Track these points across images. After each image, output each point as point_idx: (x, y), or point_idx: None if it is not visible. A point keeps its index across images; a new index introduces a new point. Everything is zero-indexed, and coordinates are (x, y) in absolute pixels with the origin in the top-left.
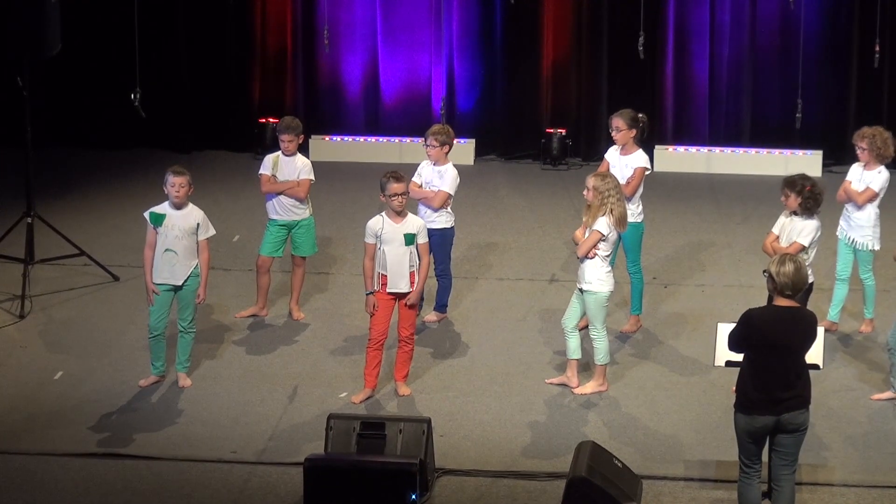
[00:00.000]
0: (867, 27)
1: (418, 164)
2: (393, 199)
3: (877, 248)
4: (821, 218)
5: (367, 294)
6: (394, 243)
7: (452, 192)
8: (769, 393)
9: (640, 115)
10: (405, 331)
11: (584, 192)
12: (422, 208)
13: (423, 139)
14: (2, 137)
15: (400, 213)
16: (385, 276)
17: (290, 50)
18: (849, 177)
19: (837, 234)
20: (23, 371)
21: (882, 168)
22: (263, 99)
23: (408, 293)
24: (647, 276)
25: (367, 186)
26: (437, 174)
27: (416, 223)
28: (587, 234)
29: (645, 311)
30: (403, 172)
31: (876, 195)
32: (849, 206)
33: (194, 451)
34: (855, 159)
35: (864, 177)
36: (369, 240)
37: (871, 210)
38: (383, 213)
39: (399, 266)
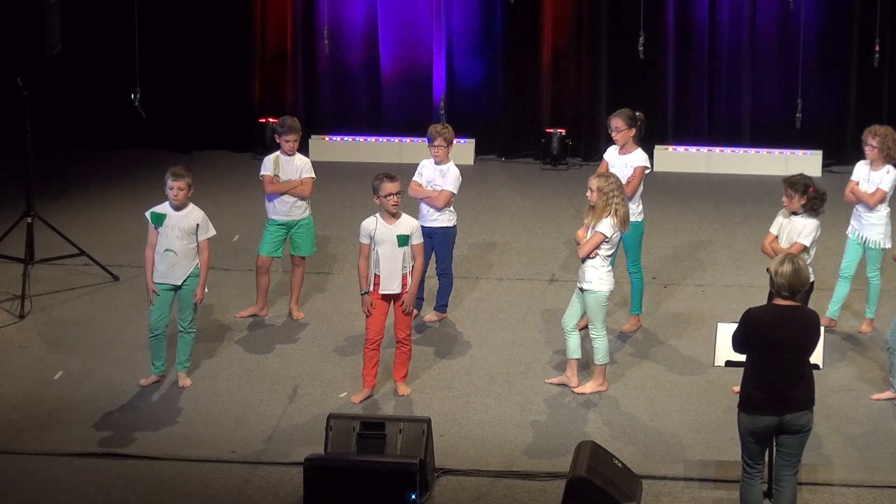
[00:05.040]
0: (867, 27)
1: (418, 164)
2: (388, 198)
3: (888, 246)
4: (820, 217)
5: (362, 294)
6: (386, 244)
7: (456, 191)
8: (771, 393)
9: (638, 114)
10: (401, 332)
11: (588, 194)
12: (424, 207)
13: (429, 140)
14: (2, 137)
15: (394, 215)
16: (378, 277)
17: (290, 50)
18: (854, 176)
19: (848, 233)
20: (23, 371)
21: (890, 167)
22: (263, 99)
23: (400, 294)
24: (647, 276)
25: (368, 186)
26: (440, 173)
27: (409, 224)
28: (589, 235)
29: (645, 310)
30: (399, 173)
31: (886, 195)
32: (859, 206)
33: (194, 451)
34: (854, 159)
35: (872, 177)
36: (363, 240)
37: (883, 209)
38: (377, 214)
39: (392, 267)
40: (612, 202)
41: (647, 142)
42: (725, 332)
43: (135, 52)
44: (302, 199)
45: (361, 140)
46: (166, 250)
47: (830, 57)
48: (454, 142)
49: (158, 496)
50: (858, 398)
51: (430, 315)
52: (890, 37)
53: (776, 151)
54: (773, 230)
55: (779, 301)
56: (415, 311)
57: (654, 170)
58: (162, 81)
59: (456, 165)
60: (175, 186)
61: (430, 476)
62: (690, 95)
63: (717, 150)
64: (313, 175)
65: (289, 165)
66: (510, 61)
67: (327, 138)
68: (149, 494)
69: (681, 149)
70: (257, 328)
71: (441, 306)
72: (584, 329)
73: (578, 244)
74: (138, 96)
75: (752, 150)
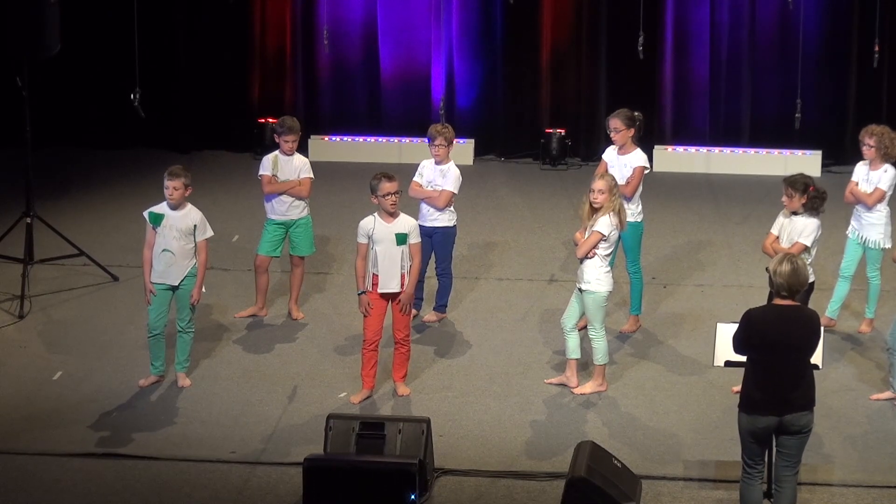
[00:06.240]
0: (867, 27)
1: (418, 164)
2: (386, 198)
3: (888, 246)
4: (820, 217)
5: (359, 294)
6: (385, 243)
7: (456, 191)
8: (771, 393)
9: (637, 114)
10: (399, 333)
11: (593, 196)
12: (424, 207)
13: (430, 140)
14: (2, 137)
15: (392, 214)
16: (377, 276)
17: (289, 50)
18: (854, 177)
19: (848, 233)
20: (22, 371)
21: (888, 166)
22: (263, 99)
23: (399, 293)
24: (646, 276)
25: (367, 186)
26: (440, 173)
27: (407, 223)
28: (587, 235)
29: (644, 311)
30: (399, 173)
31: (885, 194)
32: (859, 207)
33: (194, 451)
34: (854, 159)
35: (871, 177)
36: (361, 240)
37: (883, 208)
38: (375, 214)
39: (391, 266)
40: (615, 200)
41: (646, 142)
42: (725, 332)
43: (135, 52)
44: (300, 199)
45: (361, 140)
46: (164, 250)
47: (830, 57)
48: (454, 141)
49: (158, 496)
50: (858, 398)
51: (429, 315)
52: (890, 37)
53: (776, 151)
54: (774, 231)
55: (779, 301)
56: (414, 311)
57: (654, 170)
58: (162, 81)
59: (456, 165)
60: (170, 185)
61: (430, 476)
62: (690, 95)
63: (716, 150)
64: (311, 175)
65: (287, 165)
66: (510, 61)
67: (327, 138)
68: (148, 494)
69: (680, 149)
70: (256, 328)
71: (440, 306)
72: (583, 329)
73: (577, 245)
74: (138, 96)
75: (752, 151)
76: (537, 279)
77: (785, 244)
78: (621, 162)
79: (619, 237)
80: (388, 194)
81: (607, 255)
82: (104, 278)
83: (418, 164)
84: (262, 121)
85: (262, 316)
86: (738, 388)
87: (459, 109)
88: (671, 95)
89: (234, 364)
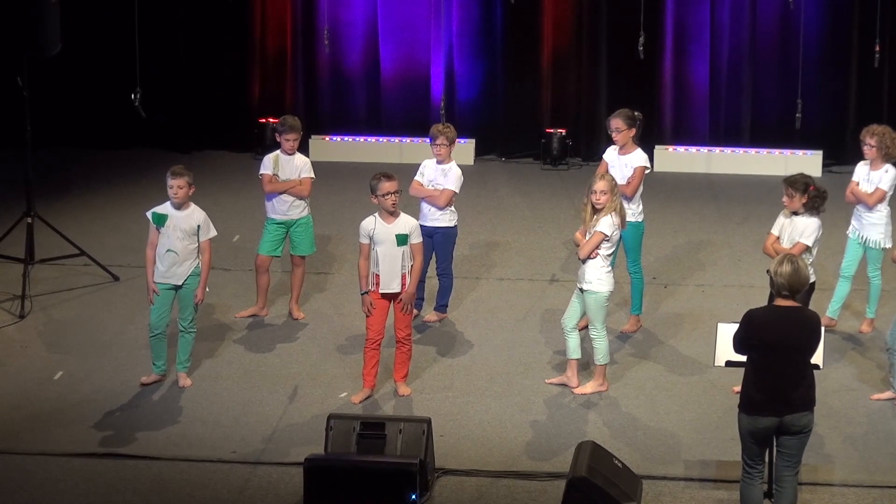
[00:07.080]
0: (867, 27)
1: (419, 164)
2: (386, 198)
3: (888, 245)
4: (821, 216)
5: (361, 294)
6: (386, 244)
7: (458, 190)
8: (772, 394)
9: (636, 113)
10: (401, 332)
11: (594, 197)
12: (425, 207)
13: (431, 139)
14: (2, 137)
15: (393, 214)
16: (378, 276)
17: (289, 50)
18: (855, 177)
19: (848, 233)
20: (23, 371)
21: (889, 166)
22: (263, 99)
23: (400, 293)
24: (647, 276)
25: (367, 186)
26: (442, 172)
27: (408, 223)
28: (589, 236)
29: (645, 311)
30: (399, 173)
31: (886, 194)
32: (859, 206)
33: (194, 451)
34: (854, 159)
35: (872, 177)
36: (363, 240)
37: (883, 208)
38: (376, 214)
39: (392, 266)
40: (616, 200)
41: (647, 142)
42: (725, 332)
43: (135, 52)
44: (300, 198)
45: (361, 140)
46: (168, 251)
47: (830, 57)
48: (456, 141)
49: (159, 496)
50: (858, 398)
51: (430, 315)
52: (890, 37)
53: (776, 151)
54: (775, 231)
55: (779, 302)
56: (415, 311)
57: (654, 170)
58: (162, 81)
59: (457, 165)
60: (174, 185)
61: (430, 476)
62: (690, 95)
63: (717, 150)
64: (312, 175)
65: (288, 165)
66: (510, 61)
67: (327, 138)
68: (149, 494)
69: (681, 149)
70: (257, 328)
71: (441, 306)
72: (584, 329)
73: (578, 246)
74: (138, 96)
75: (752, 151)
76: (538, 279)
77: (786, 244)
78: (622, 162)
79: (620, 237)
80: (387, 194)
81: (609, 255)
82: (105, 278)
83: (419, 164)
84: (263, 121)
85: (262, 316)
86: (738, 388)
87: (460, 109)
88: (672, 95)
89: (235, 364)
